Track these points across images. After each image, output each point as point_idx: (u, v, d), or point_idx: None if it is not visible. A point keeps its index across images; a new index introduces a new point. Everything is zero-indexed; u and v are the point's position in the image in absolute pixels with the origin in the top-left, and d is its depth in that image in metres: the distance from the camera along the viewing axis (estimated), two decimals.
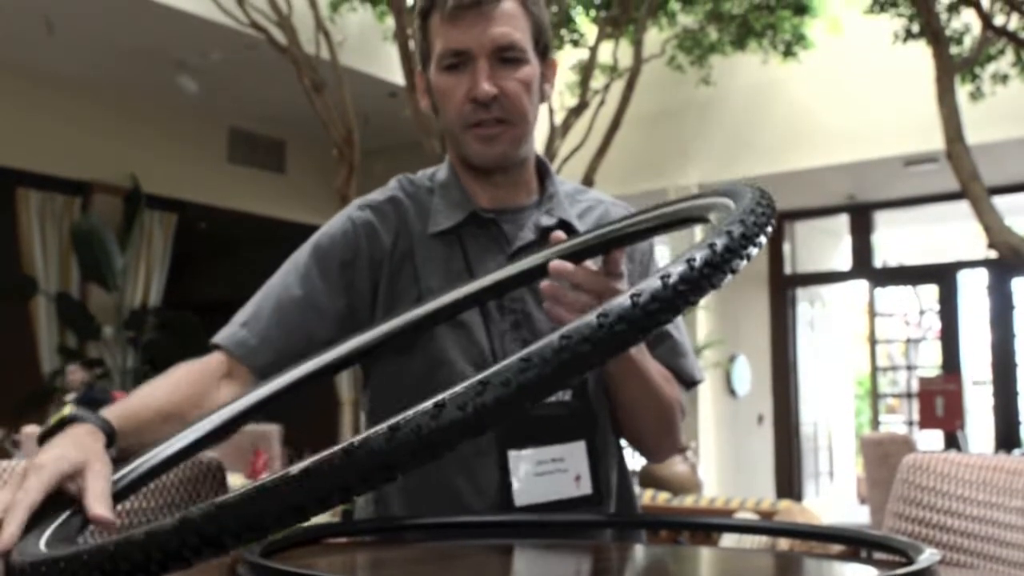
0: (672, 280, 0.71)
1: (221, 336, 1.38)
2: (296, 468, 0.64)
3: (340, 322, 1.38)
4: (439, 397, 0.65)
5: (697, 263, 0.73)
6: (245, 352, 1.35)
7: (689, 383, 1.47)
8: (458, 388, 0.65)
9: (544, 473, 1.34)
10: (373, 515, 1.45)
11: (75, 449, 0.99)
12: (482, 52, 1.33)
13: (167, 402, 1.23)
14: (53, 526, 0.87)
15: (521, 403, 0.66)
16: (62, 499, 0.95)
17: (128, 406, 1.17)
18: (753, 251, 0.78)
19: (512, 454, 1.34)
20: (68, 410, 1.07)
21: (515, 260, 1.38)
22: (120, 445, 1.10)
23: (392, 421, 0.64)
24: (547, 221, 1.42)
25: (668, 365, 1.44)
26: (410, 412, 0.64)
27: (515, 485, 1.33)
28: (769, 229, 0.81)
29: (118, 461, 1.07)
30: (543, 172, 1.49)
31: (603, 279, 1.18)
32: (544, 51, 1.41)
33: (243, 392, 1.30)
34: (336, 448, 0.64)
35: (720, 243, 0.75)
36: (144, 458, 1.07)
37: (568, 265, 1.16)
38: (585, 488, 1.35)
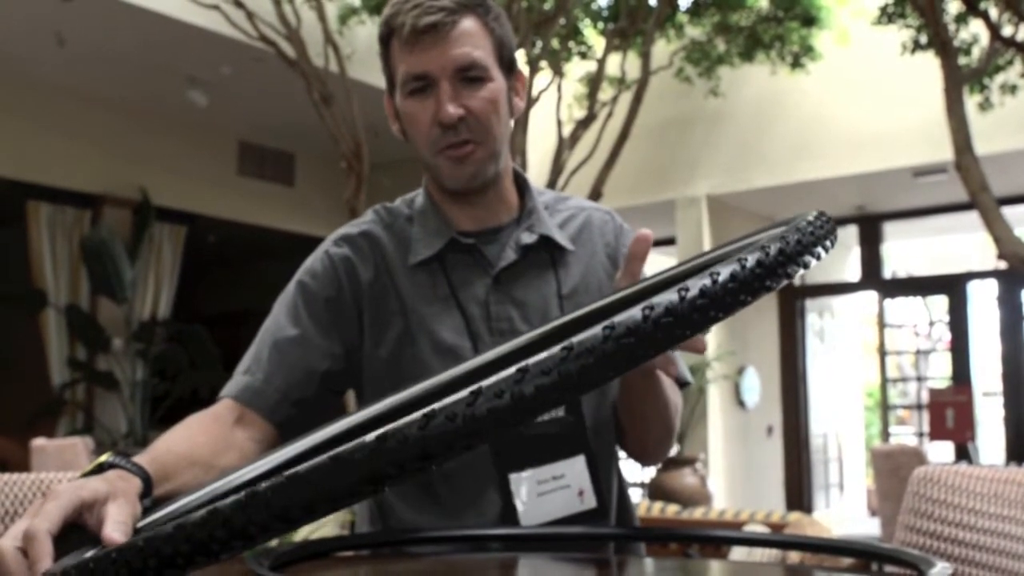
0: (722, 278, 0.69)
1: (226, 390, 1.37)
2: (372, 435, 0.62)
3: (336, 356, 1.39)
4: (476, 385, 0.63)
5: (749, 263, 0.71)
6: (251, 396, 1.35)
7: (682, 385, 1.47)
8: (502, 375, 0.63)
9: (547, 492, 1.34)
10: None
11: (100, 482, 0.96)
12: (444, 74, 1.32)
13: (191, 447, 1.22)
14: (85, 557, 0.84)
15: (560, 393, 0.64)
16: (82, 533, 0.90)
17: (153, 454, 1.15)
18: (810, 259, 0.77)
19: (513, 477, 1.33)
20: (105, 457, 1.04)
21: (499, 282, 1.40)
22: (154, 493, 1.07)
23: (473, 388, 0.63)
24: (528, 239, 1.41)
25: (673, 373, 1.43)
26: (488, 381, 0.63)
27: (519, 507, 1.32)
28: (827, 243, 0.80)
29: (148, 510, 1.02)
30: (521, 187, 1.48)
31: None
32: (509, 66, 1.39)
33: (258, 436, 1.32)
34: (417, 414, 0.63)
35: (774, 247, 0.74)
36: (172, 508, 1.02)
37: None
38: (589, 502, 1.35)
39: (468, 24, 1.33)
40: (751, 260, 0.72)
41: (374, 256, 1.43)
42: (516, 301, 1.40)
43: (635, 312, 0.66)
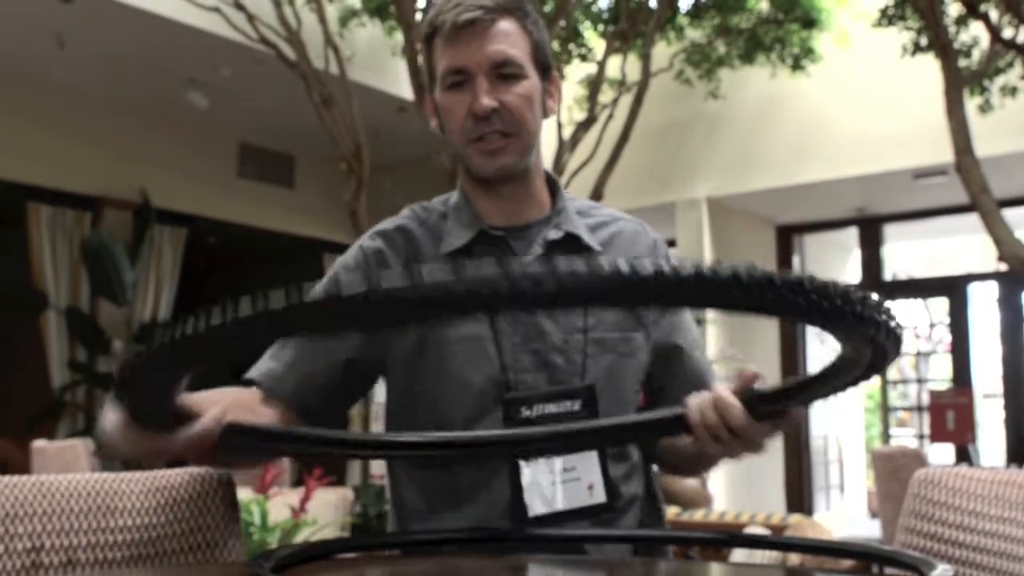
0: None
1: (252, 371, 1.43)
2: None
3: (361, 345, 1.44)
4: None
5: None
6: (273, 381, 1.41)
7: None
8: None
9: (556, 483, 1.37)
10: (394, 522, 1.49)
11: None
12: (480, 69, 1.39)
13: (236, 396, 1.32)
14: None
15: None
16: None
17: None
18: None
19: (523, 465, 1.36)
20: None
21: None
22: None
23: None
24: (554, 235, 1.46)
25: (701, 378, 1.49)
26: None
27: (527, 496, 1.35)
28: None
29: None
30: (553, 189, 1.53)
31: (754, 429, 1.19)
32: (545, 68, 1.46)
33: (279, 420, 1.37)
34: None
35: None
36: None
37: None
38: (599, 496, 1.38)
39: (506, 24, 1.41)
40: None
41: (407, 249, 1.48)
42: None
43: None
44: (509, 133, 1.40)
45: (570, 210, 1.51)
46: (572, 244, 1.46)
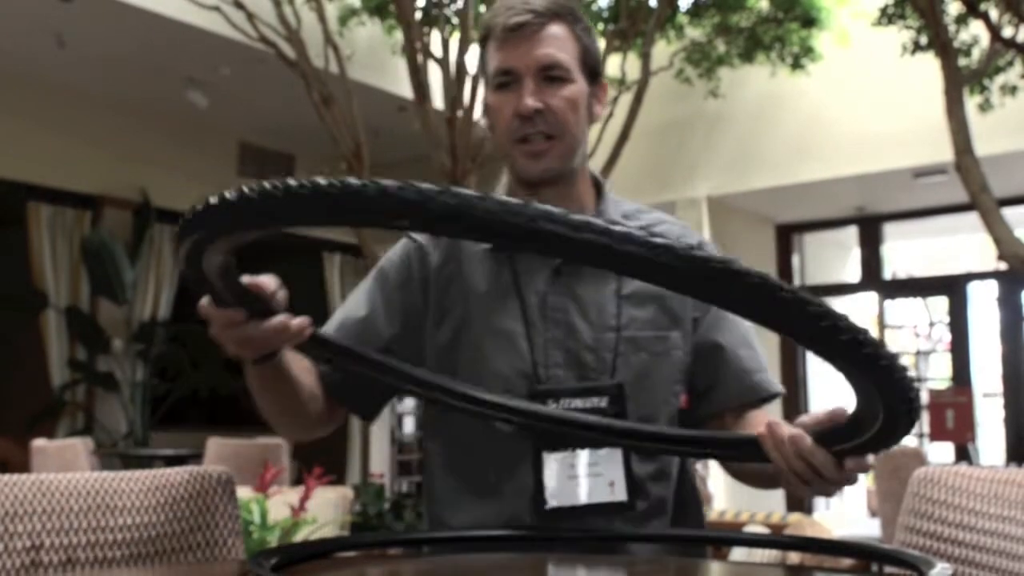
0: None
1: None
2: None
3: (397, 338, 1.49)
4: None
5: None
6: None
7: (773, 396, 1.51)
8: None
9: (577, 476, 1.38)
10: (424, 510, 1.53)
11: None
12: (528, 71, 1.42)
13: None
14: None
15: None
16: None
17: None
18: None
19: (547, 456, 1.38)
20: None
21: (560, 274, 1.46)
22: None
23: None
24: None
25: (748, 379, 1.49)
26: None
27: (548, 487, 1.37)
28: None
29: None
30: (598, 192, 1.56)
31: (833, 468, 1.13)
32: (593, 74, 1.49)
33: (321, 396, 1.47)
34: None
35: None
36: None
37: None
38: (619, 495, 1.39)
39: (555, 29, 1.45)
40: None
41: (448, 244, 1.51)
42: (574, 294, 1.46)
43: None
44: (552, 135, 1.43)
45: (612, 213, 1.51)
46: None
